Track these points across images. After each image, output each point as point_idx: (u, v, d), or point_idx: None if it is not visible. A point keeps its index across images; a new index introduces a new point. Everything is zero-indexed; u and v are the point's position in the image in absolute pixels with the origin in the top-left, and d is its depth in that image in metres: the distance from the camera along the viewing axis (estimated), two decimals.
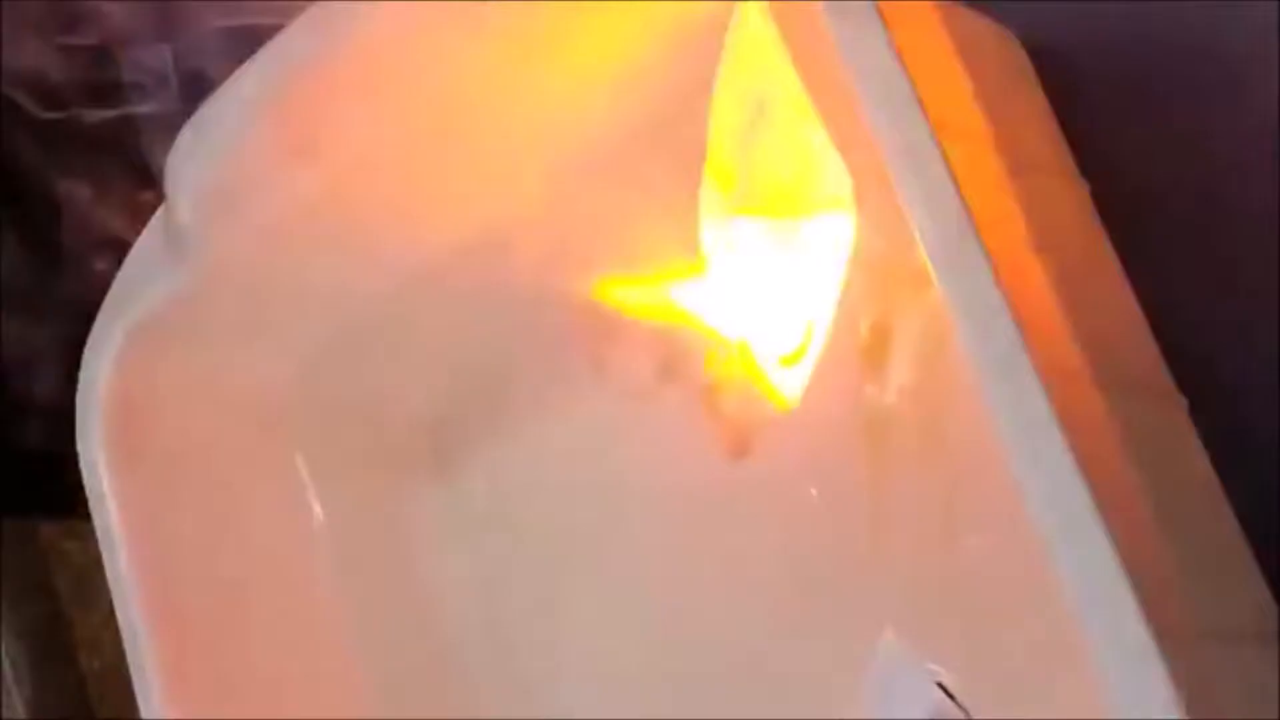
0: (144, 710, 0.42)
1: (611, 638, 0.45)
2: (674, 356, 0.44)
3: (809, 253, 0.38)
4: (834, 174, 0.36)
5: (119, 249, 0.43)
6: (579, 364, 0.45)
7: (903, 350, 0.39)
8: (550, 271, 0.45)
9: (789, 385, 0.38)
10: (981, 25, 0.39)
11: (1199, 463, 0.36)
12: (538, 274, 0.45)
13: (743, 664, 0.42)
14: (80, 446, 0.43)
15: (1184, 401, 0.36)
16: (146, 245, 0.42)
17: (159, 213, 0.42)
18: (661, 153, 0.41)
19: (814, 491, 0.42)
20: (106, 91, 0.56)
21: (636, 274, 0.44)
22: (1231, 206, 0.37)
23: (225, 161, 0.40)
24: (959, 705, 0.38)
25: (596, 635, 0.46)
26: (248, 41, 0.43)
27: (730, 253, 0.38)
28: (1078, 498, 0.29)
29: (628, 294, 0.44)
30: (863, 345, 0.40)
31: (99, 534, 0.43)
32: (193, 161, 0.40)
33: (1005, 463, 0.29)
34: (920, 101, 0.31)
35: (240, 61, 0.40)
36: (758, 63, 0.37)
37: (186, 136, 0.40)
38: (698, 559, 0.44)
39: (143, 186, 0.55)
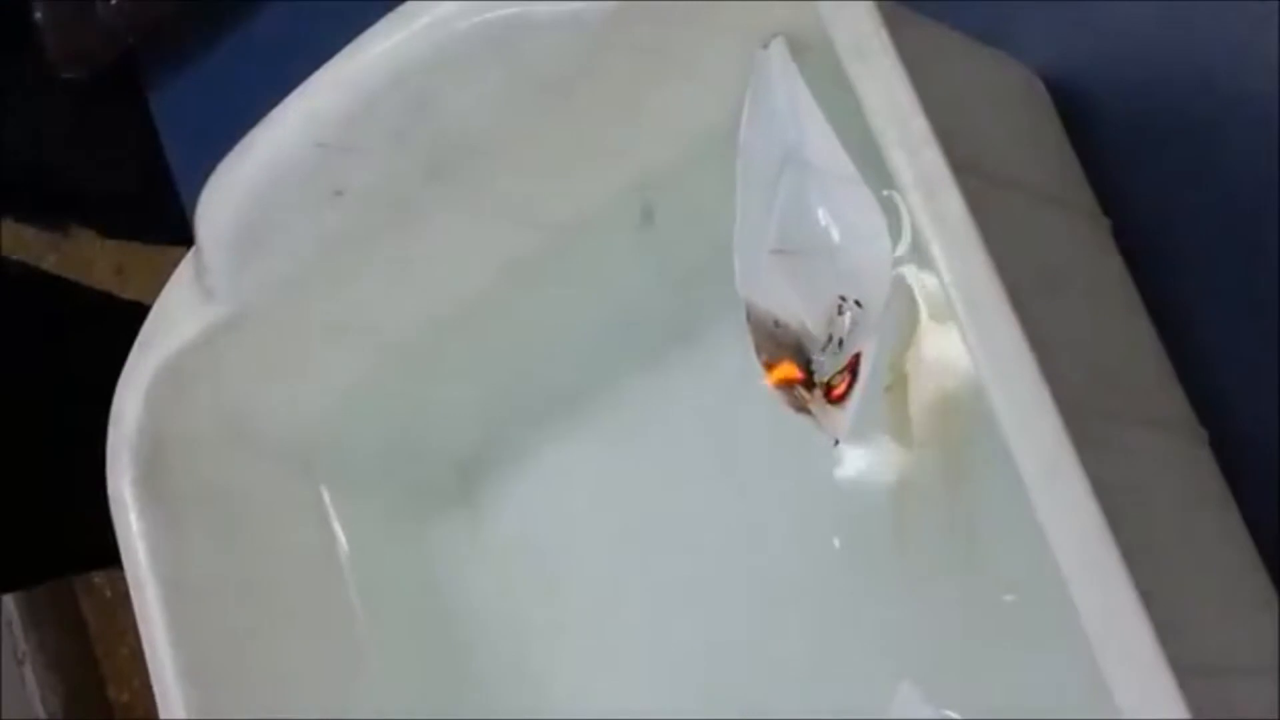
0: None
1: (633, 671, 0.46)
2: (702, 393, 0.44)
3: (847, 289, 0.38)
4: (868, 213, 0.36)
5: None
6: (604, 402, 0.46)
7: (924, 391, 0.40)
8: (577, 308, 0.45)
9: (837, 424, 0.37)
10: (1002, 63, 0.39)
11: (1220, 495, 0.36)
12: (564, 311, 0.45)
13: (762, 709, 0.43)
14: (110, 483, 0.44)
15: (1205, 434, 0.36)
16: (177, 285, 0.43)
17: (189, 254, 0.42)
18: (691, 195, 0.41)
19: (836, 542, 0.42)
20: None
21: (670, 310, 0.44)
22: (1251, 241, 0.37)
23: (254, 204, 0.40)
24: None
25: (618, 669, 0.46)
26: None
27: (768, 292, 0.38)
28: (1098, 536, 0.29)
29: (664, 333, 0.45)
30: (886, 384, 0.40)
31: (127, 570, 0.43)
32: (222, 204, 0.41)
33: (1027, 504, 0.29)
34: (938, 139, 0.31)
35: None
36: (783, 105, 0.37)
37: (216, 180, 0.41)
38: (719, 599, 0.44)
39: None
